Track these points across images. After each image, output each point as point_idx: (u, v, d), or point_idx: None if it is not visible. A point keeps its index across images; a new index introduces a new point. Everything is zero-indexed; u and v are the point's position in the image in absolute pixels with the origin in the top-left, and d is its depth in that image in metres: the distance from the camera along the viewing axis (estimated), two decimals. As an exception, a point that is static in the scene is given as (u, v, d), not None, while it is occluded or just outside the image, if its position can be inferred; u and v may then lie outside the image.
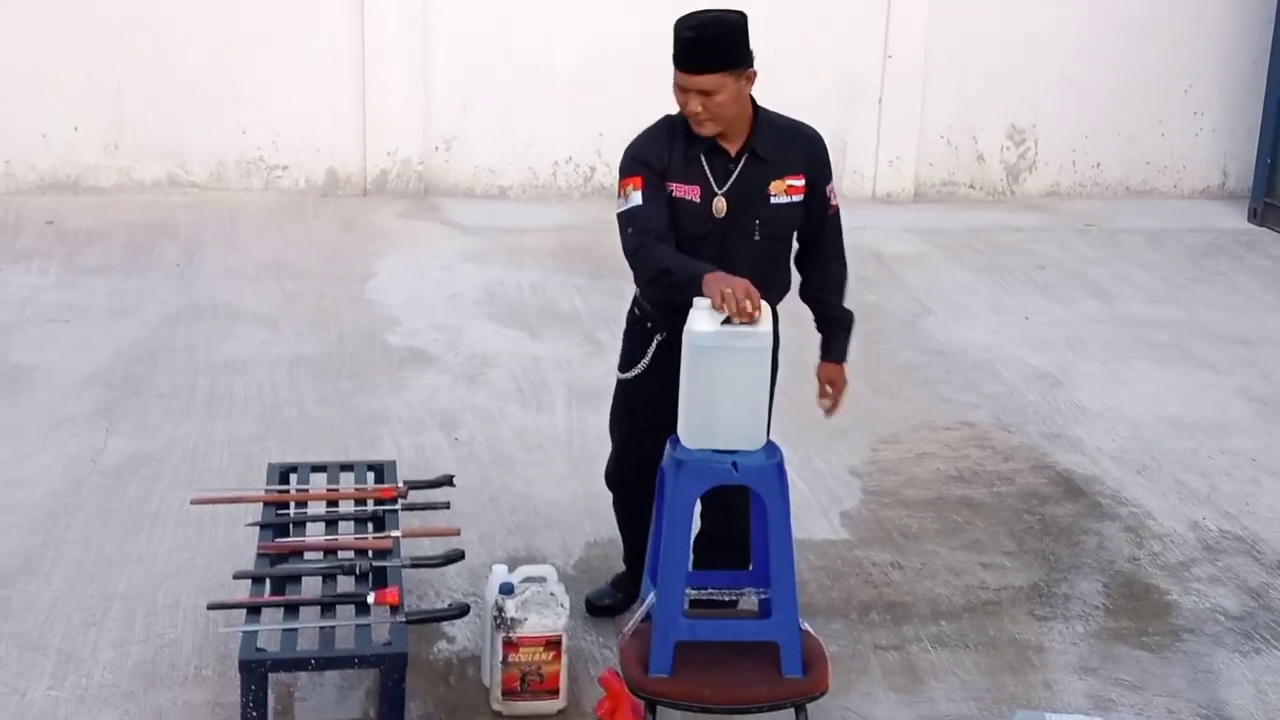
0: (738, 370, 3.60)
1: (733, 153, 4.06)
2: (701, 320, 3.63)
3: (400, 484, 4.42)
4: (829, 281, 4.38)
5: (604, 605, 4.67)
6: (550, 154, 10.11)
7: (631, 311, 4.40)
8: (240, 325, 7.31)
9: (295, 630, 3.66)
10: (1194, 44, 10.96)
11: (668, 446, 3.77)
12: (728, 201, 4.05)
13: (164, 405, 6.24)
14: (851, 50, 10.36)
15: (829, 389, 4.49)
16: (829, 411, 4.52)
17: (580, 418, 6.25)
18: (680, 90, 3.94)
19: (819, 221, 4.23)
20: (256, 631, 3.61)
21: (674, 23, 3.93)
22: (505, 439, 6.05)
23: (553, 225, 9.38)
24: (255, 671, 3.49)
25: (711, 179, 4.04)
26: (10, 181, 9.65)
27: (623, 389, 4.47)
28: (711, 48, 3.88)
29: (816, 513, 5.49)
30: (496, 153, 10.16)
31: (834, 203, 4.24)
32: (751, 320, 3.59)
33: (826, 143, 4.23)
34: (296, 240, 8.96)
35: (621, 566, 4.76)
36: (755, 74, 3.99)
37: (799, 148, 4.12)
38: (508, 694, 4.07)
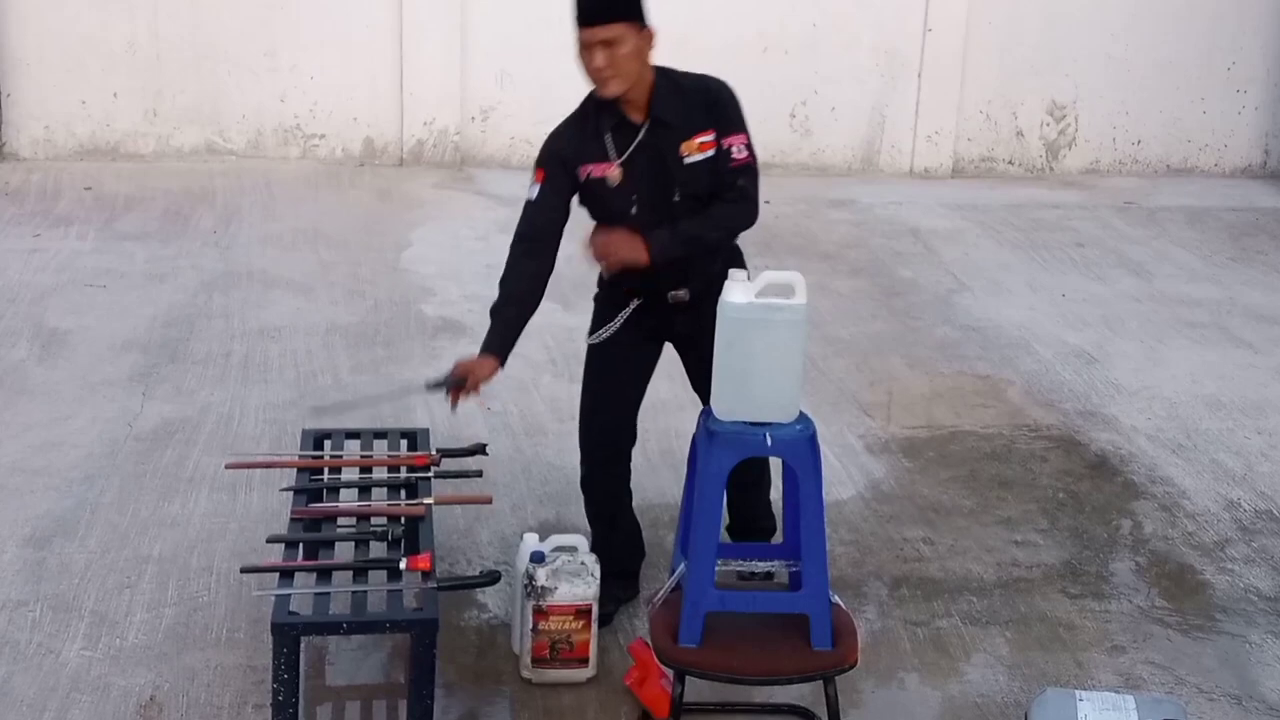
0: (772, 342, 3.59)
1: (638, 122, 4.07)
2: (736, 292, 3.62)
3: (433, 452, 4.42)
4: (708, 210, 4.12)
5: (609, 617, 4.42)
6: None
7: (600, 277, 4.40)
8: (276, 292, 7.34)
9: (327, 595, 3.67)
10: (1238, 22, 10.85)
11: (699, 418, 3.76)
12: (627, 172, 4.08)
13: (200, 371, 6.27)
14: (891, 24, 10.30)
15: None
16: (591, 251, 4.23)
17: (613, 389, 6.24)
18: (584, 49, 3.98)
19: (722, 175, 4.08)
20: (289, 595, 3.62)
21: None
22: (538, 409, 6.05)
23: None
24: (287, 635, 3.51)
25: (613, 151, 4.08)
26: (50, 148, 9.70)
27: (593, 356, 4.47)
28: None
29: (848, 486, 5.48)
30: (533, 124, 10.06)
31: (738, 156, 4.06)
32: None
33: (735, 95, 4.11)
34: (333, 209, 8.98)
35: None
36: (653, 35, 4.01)
37: (701, 103, 4.08)
38: (537, 662, 4.09)
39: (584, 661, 4.12)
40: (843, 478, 5.53)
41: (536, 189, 4.18)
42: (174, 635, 4.28)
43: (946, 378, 6.69)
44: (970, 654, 4.44)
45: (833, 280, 7.91)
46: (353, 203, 9.18)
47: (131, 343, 6.55)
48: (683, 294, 4.19)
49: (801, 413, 3.67)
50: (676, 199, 4.10)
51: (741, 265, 4.21)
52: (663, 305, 4.26)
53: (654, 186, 4.09)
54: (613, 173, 4.10)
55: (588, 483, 4.58)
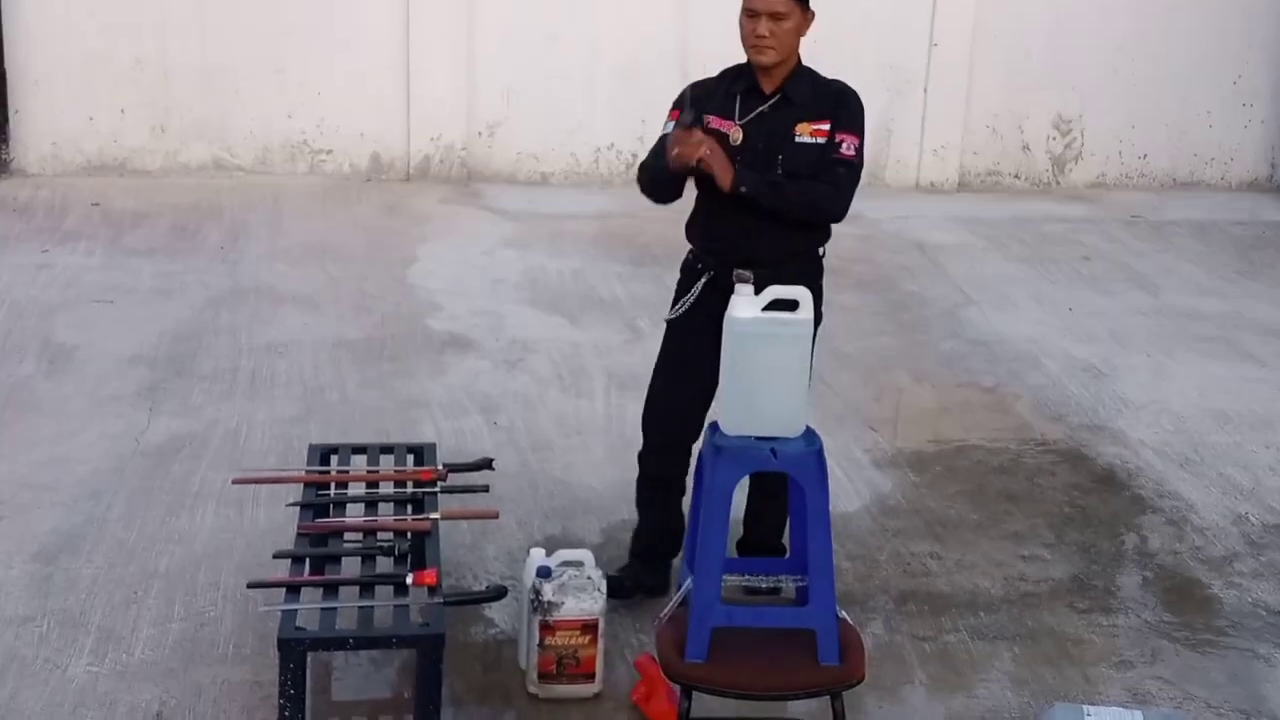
0: (778, 356, 3.60)
1: (767, 93, 4.34)
2: (742, 306, 3.62)
3: (440, 467, 4.42)
4: (801, 180, 4.31)
5: (621, 586, 4.56)
6: (592, 141, 10.11)
7: (686, 256, 4.56)
8: (283, 308, 7.35)
9: (334, 610, 3.67)
10: (1243, 36, 10.86)
11: (706, 432, 3.76)
12: (746, 134, 4.32)
13: (207, 386, 6.28)
14: (896, 38, 10.31)
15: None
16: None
17: (619, 404, 6.24)
18: (749, 16, 4.25)
19: (826, 163, 4.31)
20: (295, 610, 3.62)
21: None
22: (544, 424, 6.05)
23: (594, 212, 9.38)
24: (294, 650, 3.50)
25: (737, 113, 4.34)
26: (57, 164, 9.72)
27: (666, 335, 4.59)
28: None
29: (855, 500, 5.47)
30: (539, 139, 10.16)
31: (845, 151, 4.31)
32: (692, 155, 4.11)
33: (865, 110, 4.43)
34: (340, 224, 8.99)
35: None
36: (813, 19, 4.32)
37: (830, 97, 4.38)
38: (544, 677, 4.08)
39: (590, 677, 4.11)
40: (849, 492, 5.52)
41: (670, 124, 4.34)
42: (181, 651, 4.28)
43: (953, 391, 6.69)
44: (977, 669, 4.43)
45: (839, 294, 7.83)
46: (360, 218, 9.19)
47: (139, 358, 6.56)
48: (747, 275, 4.11)
49: (808, 427, 3.67)
50: (779, 171, 4.30)
51: (817, 277, 4.36)
52: (729, 285, 4.10)
53: (762, 154, 4.31)
54: (734, 132, 4.32)
55: (641, 461, 4.69)
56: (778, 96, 4.34)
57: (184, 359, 6.58)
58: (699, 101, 4.34)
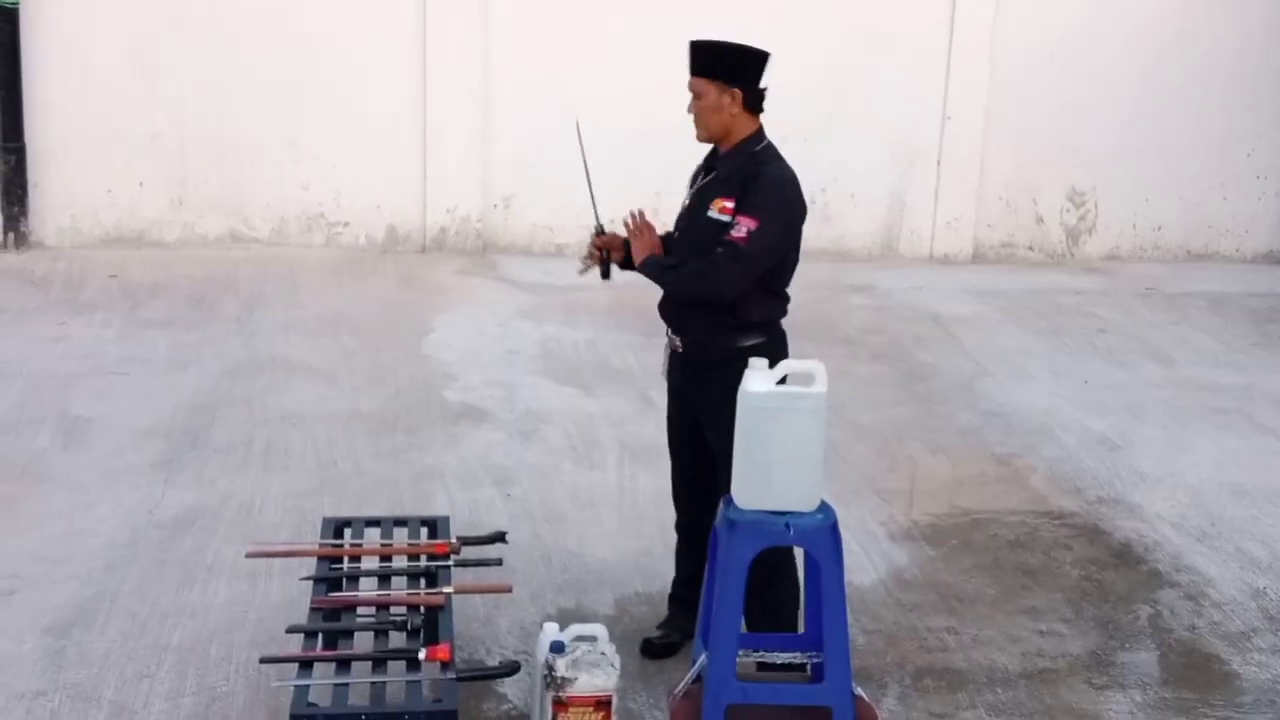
0: (792, 430, 3.60)
1: (712, 166, 4.53)
2: (756, 380, 3.62)
3: (453, 539, 4.42)
4: (690, 261, 4.46)
5: (663, 644, 4.73)
6: (607, 212, 10.12)
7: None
8: (298, 379, 7.37)
9: (346, 685, 3.66)
10: (1254, 111, 10.93)
11: (720, 506, 3.75)
12: (689, 206, 4.58)
13: (221, 458, 6.28)
14: (910, 112, 10.38)
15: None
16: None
17: (632, 475, 6.24)
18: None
19: (718, 241, 4.35)
20: (308, 686, 3.61)
21: None
22: (558, 496, 6.04)
23: (608, 284, 9.40)
24: (305, 726, 3.49)
25: (689, 185, 4.62)
26: (76, 235, 9.79)
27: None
28: (703, 53, 4.39)
29: (870, 574, 5.44)
30: (554, 211, 10.21)
31: (735, 233, 4.29)
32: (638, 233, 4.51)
33: (785, 196, 4.41)
34: (355, 296, 9.04)
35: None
36: (740, 95, 4.35)
37: (747, 175, 4.39)
38: (557, 753, 4.05)
39: (604, 753, 4.08)
40: (865, 565, 5.49)
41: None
42: (192, 726, 4.26)
43: (969, 464, 6.67)
44: (995, 746, 4.39)
45: (854, 365, 7.91)
46: (375, 289, 9.23)
47: (154, 430, 6.57)
48: (676, 340, 4.57)
49: (823, 501, 3.67)
50: (691, 239, 4.50)
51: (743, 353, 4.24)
52: (673, 352, 4.63)
53: (688, 224, 4.55)
54: (686, 198, 4.59)
55: (679, 525, 4.88)
56: (714, 171, 4.49)
57: (199, 431, 6.59)
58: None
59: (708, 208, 4.41)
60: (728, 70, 4.35)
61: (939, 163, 10.50)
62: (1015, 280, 10.22)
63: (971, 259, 10.70)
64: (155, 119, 9.73)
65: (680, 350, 4.56)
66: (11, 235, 9.61)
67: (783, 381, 3.64)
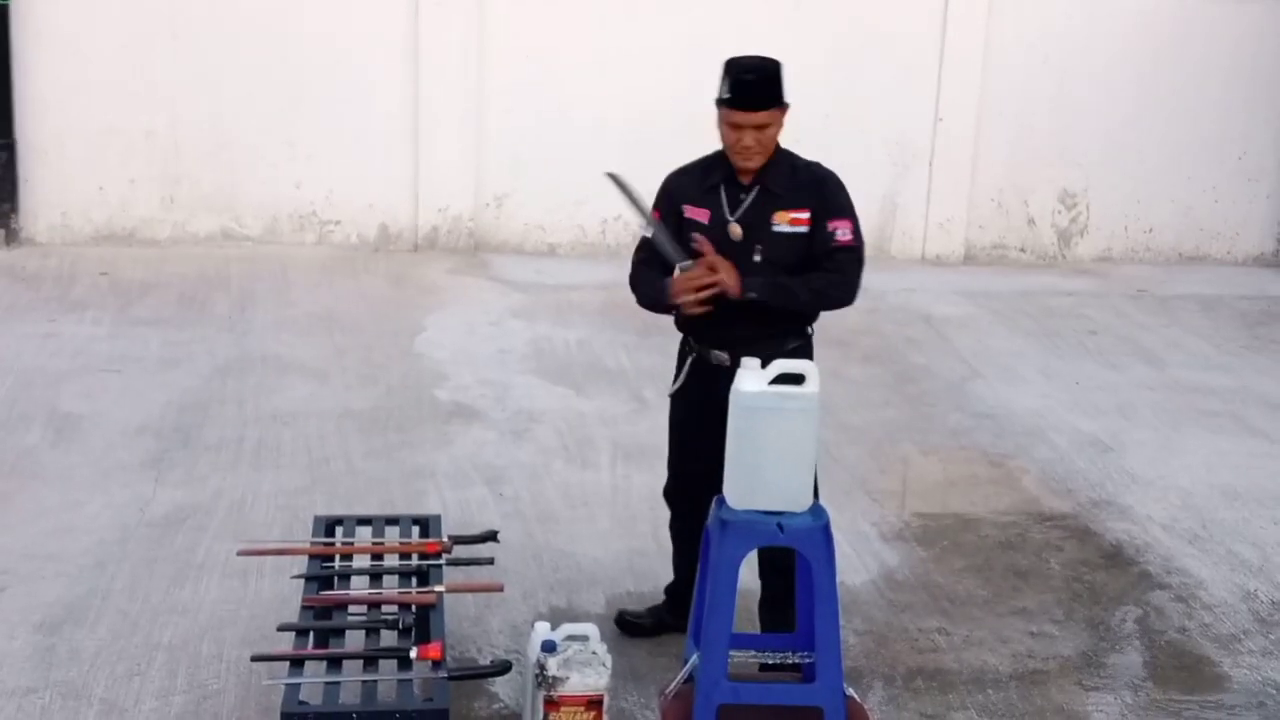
0: (784, 430, 3.60)
1: (745, 183, 4.39)
2: (748, 380, 3.63)
3: (445, 539, 4.42)
4: (807, 274, 4.38)
5: (633, 621, 4.84)
6: (599, 212, 10.15)
7: (683, 321, 4.60)
8: (290, 377, 7.36)
9: (338, 684, 3.65)
10: (1247, 114, 10.95)
11: (713, 506, 3.75)
12: (728, 225, 4.37)
13: (212, 456, 6.27)
14: (902, 113, 10.39)
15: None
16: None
17: (625, 475, 6.24)
18: (733, 128, 4.29)
19: (825, 252, 4.36)
20: (299, 684, 3.60)
21: (725, 66, 4.28)
22: (550, 495, 6.04)
23: (601, 283, 9.40)
24: (296, 725, 3.48)
25: (725, 206, 4.39)
26: (67, 233, 9.77)
27: (670, 408, 4.69)
28: (767, 86, 4.28)
29: (862, 576, 5.45)
30: (546, 210, 10.22)
31: (842, 238, 4.36)
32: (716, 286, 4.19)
33: (848, 188, 4.43)
34: (347, 294, 9.03)
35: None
36: (788, 108, 4.34)
37: (807, 185, 4.39)
38: (548, 753, 4.05)
39: (595, 753, 4.07)
40: (856, 566, 5.50)
41: (650, 228, 4.46)
42: (182, 724, 4.25)
43: (960, 465, 6.67)
44: (986, 747, 4.39)
45: (845, 367, 7.91)
46: (367, 288, 9.22)
47: (145, 428, 6.56)
48: (724, 356, 4.37)
49: (815, 501, 3.67)
50: (757, 259, 4.33)
51: (798, 355, 4.25)
52: (709, 365, 4.43)
53: (742, 243, 4.35)
54: (733, 229, 4.36)
55: (672, 524, 4.84)
56: (757, 186, 4.37)
57: (190, 429, 6.58)
58: (672, 200, 4.47)
59: (770, 223, 4.34)
60: (781, 91, 4.32)
61: (931, 164, 10.51)
62: (1007, 282, 10.23)
63: (963, 260, 10.71)
64: (148, 117, 9.70)
65: (728, 365, 4.23)
66: (2, 232, 9.58)
67: (775, 382, 3.64)
